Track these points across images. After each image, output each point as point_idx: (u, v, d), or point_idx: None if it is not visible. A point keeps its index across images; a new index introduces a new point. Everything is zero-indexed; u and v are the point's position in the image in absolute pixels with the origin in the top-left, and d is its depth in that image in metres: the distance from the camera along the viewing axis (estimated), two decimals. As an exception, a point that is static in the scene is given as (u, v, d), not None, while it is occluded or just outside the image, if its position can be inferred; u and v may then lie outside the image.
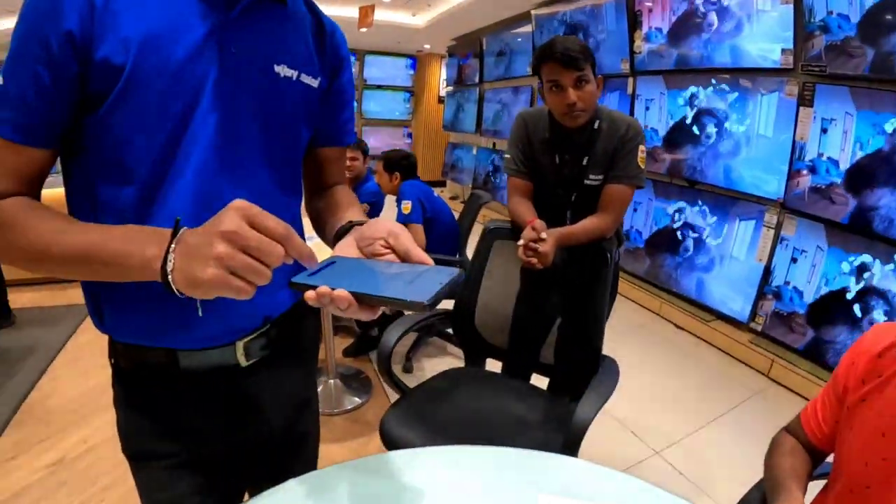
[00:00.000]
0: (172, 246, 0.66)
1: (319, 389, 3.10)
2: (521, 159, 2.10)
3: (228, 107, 0.84)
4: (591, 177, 2.02)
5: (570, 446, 1.51)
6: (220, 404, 0.98)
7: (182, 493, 0.99)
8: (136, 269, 0.69)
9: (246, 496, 1.15)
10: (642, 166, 1.99)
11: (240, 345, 0.96)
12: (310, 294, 0.66)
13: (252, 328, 0.97)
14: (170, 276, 0.65)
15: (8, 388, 3.03)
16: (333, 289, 0.65)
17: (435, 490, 0.99)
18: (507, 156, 2.16)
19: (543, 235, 1.79)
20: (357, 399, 3.11)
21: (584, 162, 2.01)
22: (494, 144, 7.78)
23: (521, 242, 1.81)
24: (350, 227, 0.87)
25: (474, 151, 8.32)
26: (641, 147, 1.99)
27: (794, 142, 3.43)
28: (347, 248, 0.80)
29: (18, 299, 4.07)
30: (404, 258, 0.75)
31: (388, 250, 0.77)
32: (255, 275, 0.63)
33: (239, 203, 0.64)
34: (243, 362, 0.97)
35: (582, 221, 1.97)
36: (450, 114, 9.38)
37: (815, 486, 1.23)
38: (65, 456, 2.50)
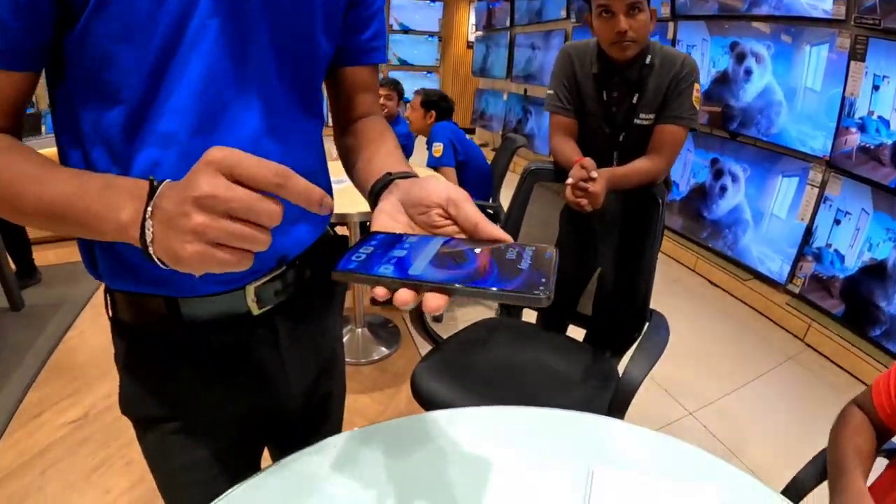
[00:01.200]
0: (149, 210, 0.52)
1: (346, 339, 3.04)
2: (566, 96, 1.95)
3: (233, 9, 0.69)
4: (642, 116, 1.87)
5: (616, 408, 1.41)
6: (231, 360, 0.86)
7: (191, 460, 0.89)
8: (112, 234, 0.56)
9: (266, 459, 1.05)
10: (697, 106, 1.84)
11: (250, 289, 0.81)
12: (379, 291, 0.50)
13: (265, 270, 0.83)
14: (150, 249, 0.52)
15: (36, 346, 3.01)
16: (407, 281, 0.49)
17: (475, 455, 0.89)
18: (549, 92, 2.00)
19: (594, 174, 1.63)
20: (385, 349, 3.04)
21: (635, 100, 1.86)
22: (526, 91, 7.54)
23: (569, 181, 1.66)
24: (390, 180, 0.72)
25: (504, 97, 8.10)
26: (696, 85, 1.83)
27: (843, 98, 3.21)
28: (393, 213, 0.65)
29: (44, 257, 4.04)
30: (472, 233, 0.59)
31: (448, 222, 0.61)
32: (247, 242, 0.49)
33: (214, 153, 0.49)
34: (255, 310, 0.83)
35: (633, 163, 1.82)
36: (479, 59, 9.12)
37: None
38: (89, 412, 2.48)
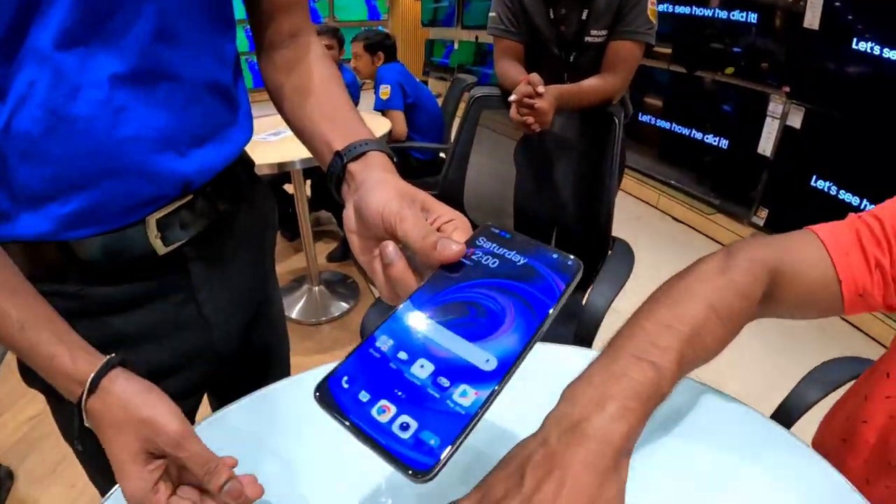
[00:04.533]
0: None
1: (303, 299, 2.92)
2: (509, 17, 1.81)
3: None
4: (593, 33, 1.75)
5: (583, 340, 1.31)
6: (143, 309, 0.72)
7: None
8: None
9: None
10: (653, 20, 1.72)
11: (151, 221, 0.67)
12: None
13: (168, 198, 0.68)
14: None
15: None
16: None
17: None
18: (492, 14, 1.86)
19: (541, 90, 1.50)
20: (345, 304, 2.93)
21: (584, 15, 1.74)
22: (477, 38, 7.43)
23: (513, 98, 1.53)
24: (341, 167, 0.58)
25: (456, 46, 7.97)
26: None
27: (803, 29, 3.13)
28: (361, 235, 0.52)
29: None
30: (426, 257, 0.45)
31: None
32: None
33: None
34: (160, 249, 0.69)
35: (584, 81, 1.70)
36: (428, 9, 8.90)
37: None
38: (45, 406, 2.36)
